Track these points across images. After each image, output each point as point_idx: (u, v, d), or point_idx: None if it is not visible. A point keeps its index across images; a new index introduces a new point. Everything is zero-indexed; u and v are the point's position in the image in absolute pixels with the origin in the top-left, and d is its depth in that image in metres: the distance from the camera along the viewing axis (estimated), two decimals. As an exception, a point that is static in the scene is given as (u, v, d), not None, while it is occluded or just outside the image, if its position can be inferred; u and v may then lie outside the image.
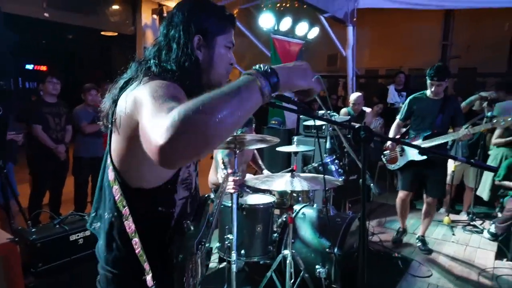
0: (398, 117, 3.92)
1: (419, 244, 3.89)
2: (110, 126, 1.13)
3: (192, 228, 1.20)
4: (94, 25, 7.73)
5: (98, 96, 4.32)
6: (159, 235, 1.13)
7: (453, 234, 4.29)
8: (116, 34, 8.29)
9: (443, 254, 3.78)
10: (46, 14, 6.28)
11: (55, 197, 4.22)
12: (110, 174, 1.11)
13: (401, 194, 3.91)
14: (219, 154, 2.99)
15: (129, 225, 1.08)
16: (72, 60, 12.51)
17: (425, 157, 3.58)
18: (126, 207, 1.08)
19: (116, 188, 1.09)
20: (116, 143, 1.09)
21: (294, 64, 1.04)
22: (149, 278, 1.08)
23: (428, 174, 3.69)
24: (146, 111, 0.86)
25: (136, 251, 1.08)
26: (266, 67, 0.94)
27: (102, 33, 8.68)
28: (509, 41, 8.88)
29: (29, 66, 13.16)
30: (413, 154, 3.67)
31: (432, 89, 3.57)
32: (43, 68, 12.73)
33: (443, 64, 3.62)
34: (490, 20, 8.05)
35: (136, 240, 1.08)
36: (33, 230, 2.22)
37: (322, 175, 2.85)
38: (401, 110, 3.92)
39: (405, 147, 3.74)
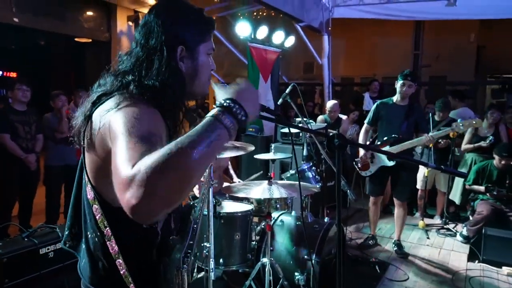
0: (365, 122, 4.00)
1: (395, 248, 3.96)
2: (82, 143, 1.07)
3: (177, 242, 1.19)
4: (67, 31, 7.55)
5: (66, 102, 4.22)
6: (145, 254, 1.10)
7: (428, 238, 4.40)
8: (90, 40, 8.13)
9: (418, 258, 3.86)
10: (15, 19, 6.09)
11: (25, 208, 4.07)
12: (89, 193, 1.06)
13: (371, 199, 4.03)
14: None
15: (112, 246, 1.04)
16: (44, 66, 12.16)
17: (393, 162, 3.69)
18: (108, 228, 1.03)
19: (96, 208, 1.04)
20: (91, 162, 1.03)
21: (247, 87, 0.98)
22: None
23: (396, 178, 3.82)
24: (119, 149, 0.81)
25: (121, 272, 1.04)
26: (229, 103, 0.88)
27: (76, 39, 8.49)
28: (475, 51, 9.31)
29: (-2, 73, 12.70)
30: (383, 160, 3.76)
31: (404, 89, 3.65)
32: (13, 74, 12.31)
33: (414, 71, 3.79)
34: (458, 31, 8.40)
35: (120, 261, 1.04)
36: (-1, 244, 2.12)
37: (301, 182, 2.86)
38: (368, 115, 4.00)
39: (376, 154, 3.82)
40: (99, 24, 7.46)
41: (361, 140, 4.02)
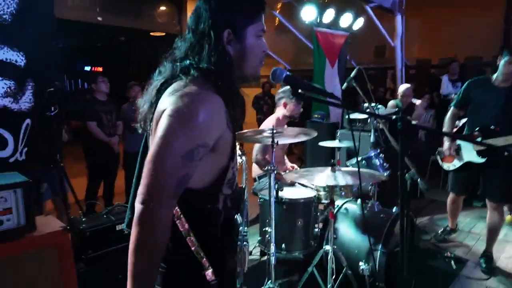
0: (452, 105, 3.37)
1: (483, 263, 3.20)
2: (148, 129, 1.14)
3: (239, 220, 1.25)
4: (143, 27, 8.09)
5: (140, 92, 4.53)
6: (211, 231, 1.13)
7: (515, 235, 3.94)
8: (163, 34, 8.62)
9: (504, 256, 3.48)
10: (99, 18, 6.68)
11: (108, 189, 4.50)
12: None
13: (451, 196, 3.54)
14: (254, 151, 3.07)
15: (182, 224, 1.08)
16: (124, 60, 13.21)
17: (484, 159, 3.07)
18: (176, 207, 1.07)
19: None
20: None
21: None
22: (209, 272, 1.09)
23: (488, 175, 3.14)
24: (153, 151, 0.96)
25: (193, 249, 1.08)
26: None
27: (151, 33, 9.06)
28: None
29: (87, 68, 14.13)
30: (470, 155, 3.15)
31: (509, 68, 2.93)
32: (99, 69, 13.61)
33: None
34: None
35: (191, 238, 1.08)
36: (83, 219, 2.38)
37: (366, 170, 2.75)
38: (456, 96, 3.40)
39: (462, 145, 3.21)
40: (171, 18, 7.86)
41: (446, 127, 3.37)
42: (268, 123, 3.26)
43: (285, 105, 3.28)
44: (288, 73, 1.16)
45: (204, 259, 1.09)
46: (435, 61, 9.64)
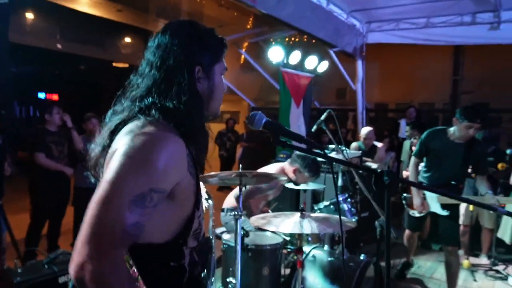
0: (413, 155, 3.45)
1: None
2: (100, 177, 1.02)
3: (206, 277, 1.15)
4: (106, 57, 7.89)
5: (98, 125, 4.28)
6: None
7: (475, 280, 3.98)
8: (127, 65, 8.45)
9: (465, 302, 3.48)
10: (59, 46, 6.42)
11: (54, 228, 4.12)
12: None
13: (407, 232, 3.73)
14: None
15: (140, 286, 0.94)
16: (83, 90, 12.75)
17: (448, 212, 3.12)
18: (133, 267, 0.93)
19: None
20: None
21: None
22: None
23: (441, 220, 3.22)
24: (98, 194, 0.85)
25: None
26: None
27: (114, 64, 8.86)
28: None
29: (42, 95, 13.45)
30: (435, 206, 3.21)
31: (470, 132, 2.96)
32: (55, 96, 12.99)
33: (475, 104, 3.36)
34: (502, 55, 7.99)
35: None
36: (19, 271, 2.05)
37: (334, 215, 2.66)
38: (416, 147, 3.48)
39: (427, 195, 3.25)
40: (136, 49, 7.73)
41: (412, 176, 3.37)
42: (271, 169, 3.13)
43: (295, 171, 3.08)
44: (267, 118, 1.07)
45: None
46: (392, 106, 10.17)
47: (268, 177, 2.49)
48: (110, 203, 0.82)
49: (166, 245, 0.97)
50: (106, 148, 0.99)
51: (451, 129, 3.13)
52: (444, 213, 3.14)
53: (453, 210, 3.17)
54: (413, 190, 3.31)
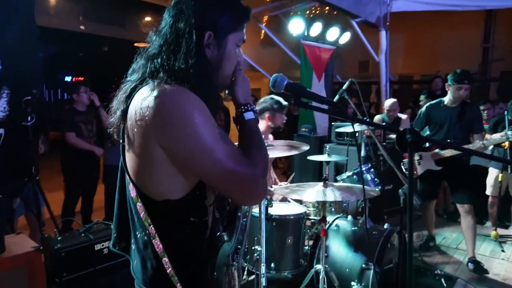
0: (414, 125, 3.73)
1: (472, 266, 3.42)
2: (121, 141, 1.03)
3: (226, 238, 1.13)
4: (127, 37, 7.95)
5: None
6: (194, 250, 1.03)
7: (503, 251, 3.93)
8: (148, 45, 8.50)
9: (492, 272, 3.45)
10: (82, 27, 6.52)
11: (87, 205, 4.28)
12: (132, 191, 1.02)
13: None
14: None
15: (157, 244, 0.99)
16: (108, 71, 12.97)
17: (440, 167, 3.43)
18: (152, 226, 0.98)
19: (139, 205, 1.00)
20: (132, 158, 0.99)
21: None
22: None
23: (454, 182, 3.55)
24: (205, 143, 0.90)
25: (168, 271, 0.99)
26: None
27: (136, 44, 8.92)
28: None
29: (68, 78, 13.81)
30: (429, 164, 3.50)
31: (460, 93, 3.38)
32: (81, 79, 13.30)
33: (463, 69, 3.45)
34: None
35: (166, 260, 0.99)
36: (58, 238, 2.19)
37: (357, 185, 2.67)
38: (416, 118, 3.79)
39: (423, 156, 3.54)
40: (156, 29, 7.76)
41: None
42: None
43: (269, 118, 3.17)
44: (289, 80, 1.08)
45: (179, 284, 0.99)
46: (418, 77, 9.84)
47: (289, 147, 2.51)
48: (215, 151, 0.91)
49: (185, 199, 0.97)
50: (124, 113, 0.98)
51: (445, 97, 3.56)
52: (438, 168, 3.44)
53: (465, 176, 3.50)
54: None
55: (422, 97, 5.40)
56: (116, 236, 1.17)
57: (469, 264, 3.46)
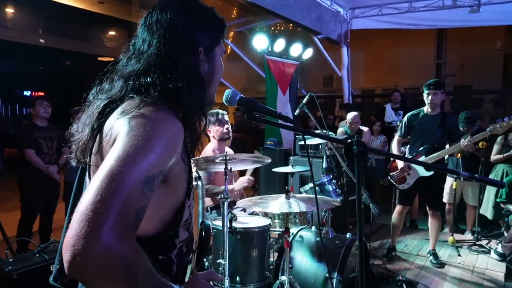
0: (397, 134, 3.94)
1: (431, 258, 3.88)
2: (88, 161, 0.94)
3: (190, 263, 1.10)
4: (91, 51, 7.79)
5: None
6: None
7: (459, 255, 4.12)
8: (112, 59, 8.36)
9: (450, 277, 3.61)
10: (41, 40, 6.32)
11: (45, 224, 4.10)
12: None
13: (399, 208, 3.96)
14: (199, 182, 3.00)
15: None
16: (70, 86, 12.59)
17: (432, 172, 3.60)
18: None
19: None
20: None
21: None
22: None
23: (430, 188, 3.74)
24: (106, 172, 0.71)
25: None
26: None
27: (99, 58, 8.76)
28: (502, 58, 8.96)
29: (27, 93, 13.25)
30: (422, 171, 3.68)
31: (429, 99, 3.62)
32: (41, 94, 12.82)
33: (438, 79, 3.74)
34: (483, 38, 8.14)
35: None
36: (10, 260, 2.08)
37: (319, 196, 2.74)
38: (399, 127, 3.95)
39: (412, 165, 3.72)
40: (121, 43, 7.66)
41: (394, 151, 3.95)
42: (208, 152, 3.20)
43: (211, 132, 3.22)
44: (241, 95, 1.11)
45: None
46: (379, 91, 10.28)
47: (253, 160, 2.55)
48: (125, 181, 0.70)
49: (156, 237, 0.89)
50: (95, 130, 0.91)
51: (425, 107, 3.77)
52: (429, 174, 3.60)
53: (440, 183, 3.88)
54: (399, 162, 3.78)
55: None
56: (60, 268, 1.03)
57: (429, 256, 3.93)
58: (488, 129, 3.45)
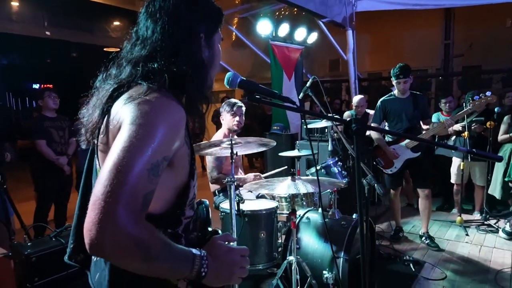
0: (372, 122, 3.99)
1: (427, 241, 3.86)
2: (96, 142, 0.99)
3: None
4: (96, 42, 7.82)
5: None
6: None
7: (467, 235, 4.15)
8: (118, 50, 8.40)
9: (457, 255, 3.65)
10: (47, 33, 6.37)
11: (60, 212, 4.22)
12: None
13: (392, 192, 4.00)
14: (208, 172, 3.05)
15: None
16: (77, 77, 12.70)
17: (419, 153, 3.70)
18: None
19: None
20: None
21: (232, 260, 0.96)
22: None
23: (417, 168, 3.80)
24: (113, 162, 0.78)
25: (147, 280, 0.92)
26: (205, 269, 0.88)
27: (105, 49, 8.80)
28: (512, 37, 8.76)
29: (36, 86, 13.40)
30: (407, 153, 3.75)
31: (400, 87, 3.71)
32: (49, 86, 12.96)
33: (404, 64, 3.71)
34: (491, 16, 7.95)
35: None
36: (28, 244, 2.17)
37: (325, 178, 2.78)
38: (374, 114, 3.99)
39: (396, 148, 3.77)
40: (125, 33, 7.68)
41: (374, 136, 3.96)
42: (217, 137, 3.24)
43: (222, 119, 3.27)
44: (242, 77, 1.14)
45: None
46: (385, 74, 10.17)
47: (259, 143, 2.59)
48: (131, 171, 0.78)
49: (164, 215, 0.95)
50: (104, 113, 0.96)
51: (395, 91, 3.85)
52: (416, 154, 3.71)
53: (426, 160, 3.86)
54: (384, 146, 3.81)
55: None
56: (74, 247, 1.11)
57: (424, 238, 3.91)
58: (468, 107, 3.56)
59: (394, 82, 3.75)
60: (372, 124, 3.97)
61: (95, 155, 1.04)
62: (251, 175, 3.25)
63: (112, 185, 0.76)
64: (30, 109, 12.57)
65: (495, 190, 4.53)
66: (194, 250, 0.88)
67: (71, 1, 5.71)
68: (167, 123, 0.86)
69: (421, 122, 3.88)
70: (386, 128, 4.01)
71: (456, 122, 4.31)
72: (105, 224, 0.73)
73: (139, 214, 0.79)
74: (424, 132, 3.82)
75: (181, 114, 0.91)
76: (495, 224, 4.36)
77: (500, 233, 4.10)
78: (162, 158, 0.85)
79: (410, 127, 3.74)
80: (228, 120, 3.23)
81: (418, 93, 3.87)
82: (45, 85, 13.09)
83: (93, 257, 1.07)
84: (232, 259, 0.96)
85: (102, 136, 0.96)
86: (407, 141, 3.70)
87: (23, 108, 12.71)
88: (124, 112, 0.88)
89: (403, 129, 3.76)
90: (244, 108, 3.26)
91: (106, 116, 0.95)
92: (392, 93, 3.89)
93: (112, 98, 0.96)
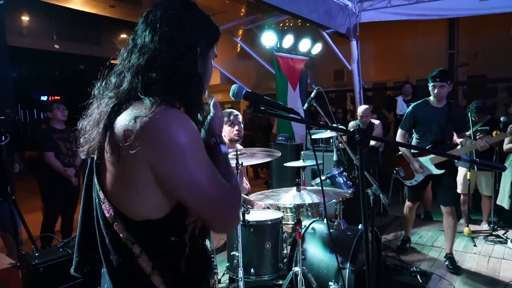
0: (400, 128, 3.72)
1: (447, 263, 3.55)
2: (97, 156, 0.99)
3: (210, 248, 1.16)
4: (103, 54, 7.94)
5: None
6: (174, 267, 1.01)
7: (475, 245, 4.10)
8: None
9: (465, 267, 3.60)
10: (56, 46, 6.50)
11: (66, 223, 4.24)
12: (107, 211, 0.97)
13: (409, 203, 3.86)
14: None
15: (145, 262, 0.96)
16: (84, 88, 12.86)
17: (443, 171, 3.44)
18: (135, 244, 0.95)
19: (118, 225, 0.95)
20: (112, 179, 0.95)
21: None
22: None
23: (439, 183, 3.55)
24: (198, 168, 0.92)
25: None
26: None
27: (112, 61, 8.92)
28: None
29: (44, 97, 13.60)
30: (431, 169, 3.52)
31: (435, 92, 3.39)
32: (57, 98, 13.13)
33: (444, 69, 3.51)
34: (496, 26, 7.98)
35: (156, 277, 0.97)
36: (36, 254, 2.20)
37: (330, 188, 2.78)
38: (403, 119, 3.71)
39: (421, 160, 3.55)
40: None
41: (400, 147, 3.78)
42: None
43: (225, 132, 3.22)
44: (247, 89, 1.16)
45: None
46: (390, 84, 10.20)
47: (264, 153, 2.61)
48: (208, 189, 0.93)
49: (165, 220, 0.95)
50: (107, 127, 0.93)
51: (430, 97, 3.51)
52: (440, 172, 3.46)
53: (449, 169, 3.51)
54: (409, 158, 3.57)
55: None
56: (79, 260, 1.14)
57: (445, 260, 3.59)
58: (508, 130, 3.47)
59: (429, 86, 3.43)
60: (399, 131, 3.70)
61: (94, 168, 1.03)
62: (260, 203, 3.18)
63: (208, 203, 0.94)
64: (38, 120, 12.74)
65: (504, 200, 4.48)
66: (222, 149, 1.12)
67: (79, 15, 5.83)
68: (195, 133, 0.94)
69: (454, 134, 3.61)
70: (413, 137, 3.72)
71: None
72: (234, 219, 1.03)
73: (226, 188, 0.99)
74: (458, 148, 3.57)
75: (189, 122, 0.94)
76: (503, 234, 4.31)
77: (509, 244, 4.05)
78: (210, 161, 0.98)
79: (439, 141, 3.46)
80: (228, 132, 3.20)
81: (453, 103, 3.56)
82: (53, 97, 13.29)
83: (102, 268, 1.07)
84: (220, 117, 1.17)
85: (108, 152, 0.94)
86: (432, 156, 3.47)
87: (31, 120, 12.89)
88: (147, 137, 0.87)
89: (430, 141, 3.47)
90: (240, 116, 3.24)
91: (109, 133, 0.93)
92: (427, 98, 3.55)
93: (113, 113, 0.94)
